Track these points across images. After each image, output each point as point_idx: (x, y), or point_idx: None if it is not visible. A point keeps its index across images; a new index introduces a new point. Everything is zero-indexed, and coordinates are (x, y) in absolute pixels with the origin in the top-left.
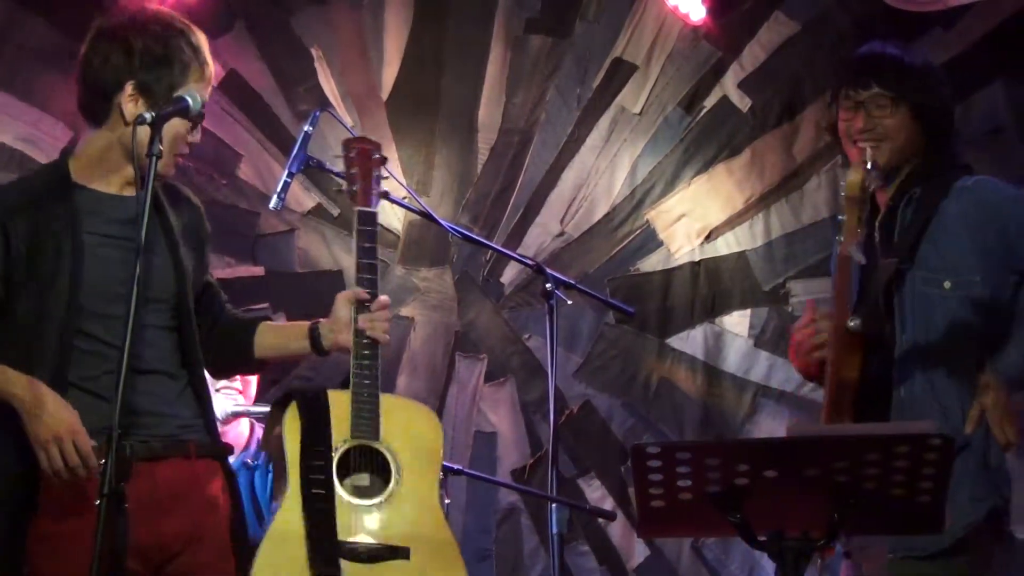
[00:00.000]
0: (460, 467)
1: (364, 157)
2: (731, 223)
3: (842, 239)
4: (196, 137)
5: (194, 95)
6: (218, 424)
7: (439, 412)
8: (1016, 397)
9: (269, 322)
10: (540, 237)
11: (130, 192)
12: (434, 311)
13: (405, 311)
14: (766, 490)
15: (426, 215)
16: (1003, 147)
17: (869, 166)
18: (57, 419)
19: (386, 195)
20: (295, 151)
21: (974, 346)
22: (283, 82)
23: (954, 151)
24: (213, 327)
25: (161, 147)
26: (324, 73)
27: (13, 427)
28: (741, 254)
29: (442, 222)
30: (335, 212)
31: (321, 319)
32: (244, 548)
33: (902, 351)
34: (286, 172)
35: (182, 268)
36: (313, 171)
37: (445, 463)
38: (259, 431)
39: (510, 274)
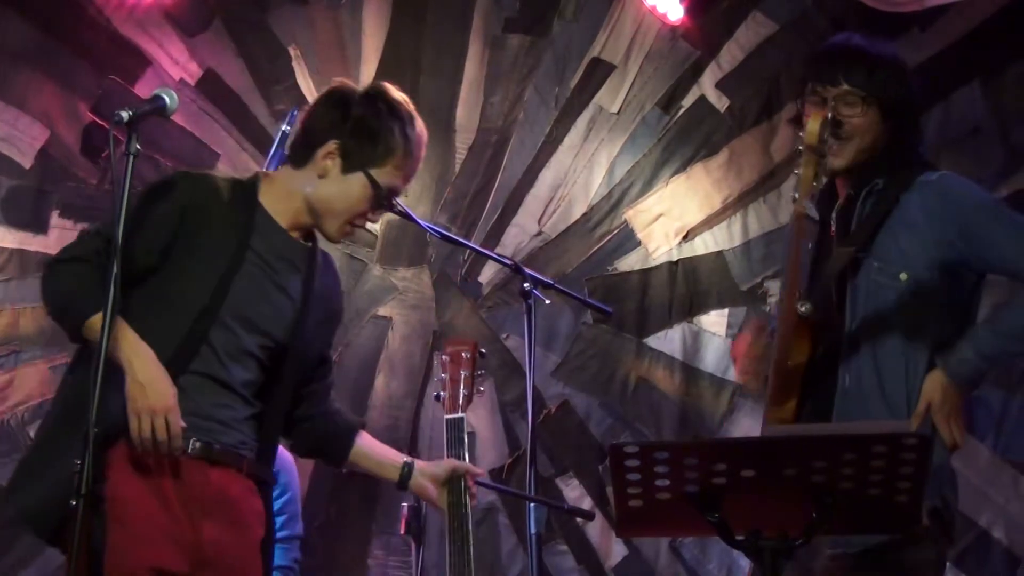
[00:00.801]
0: None
1: (456, 361)
2: (709, 223)
3: (796, 195)
4: (376, 218)
5: (171, 94)
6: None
7: (417, 412)
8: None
9: (365, 436)
10: (518, 237)
11: (297, 236)
12: (412, 311)
13: (383, 311)
14: (744, 490)
15: (404, 214)
16: (981, 147)
17: (828, 117)
18: (158, 393)
19: (479, 391)
20: (273, 150)
21: (925, 341)
22: (261, 81)
23: (919, 146)
24: (314, 415)
25: (138, 147)
26: (302, 72)
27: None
28: (719, 253)
29: (420, 222)
30: None
31: (417, 461)
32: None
33: (850, 340)
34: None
35: (301, 323)
36: None
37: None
38: None
39: (488, 273)
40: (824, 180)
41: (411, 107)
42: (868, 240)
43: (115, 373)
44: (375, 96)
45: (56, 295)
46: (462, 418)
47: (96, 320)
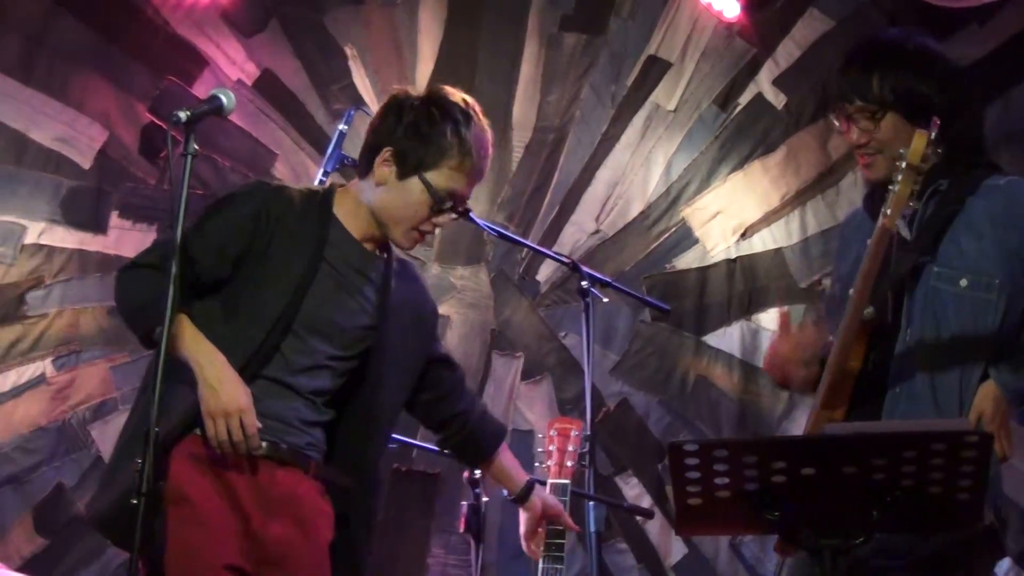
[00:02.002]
0: None
1: (563, 436)
2: (767, 220)
3: (889, 211)
4: (443, 222)
5: (228, 94)
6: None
7: None
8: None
9: (504, 449)
10: (575, 235)
11: (370, 247)
12: (470, 309)
13: (441, 309)
14: (803, 488)
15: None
16: None
17: (932, 136)
18: (232, 395)
19: (581, 465)
20: (330, 150)
21: (981, 350)
22: (317, 81)
23: (979, 143)
24: (456, 413)
25: (196, 147)
26: (358, 72)
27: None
28: (777, 251)
29: (478, 220)
30: None
31: (538, 485)
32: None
33: (905, 346)
34: (321, 171)
35: (380, 336)
36: (348, 169)
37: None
38: None
39: (546, 272)
40: (916, 199)
41: (471, 107)
42: (930, 244)
43: (184, 375)
44: (429, 99)
45: (128, 301)
46: (566, 484)
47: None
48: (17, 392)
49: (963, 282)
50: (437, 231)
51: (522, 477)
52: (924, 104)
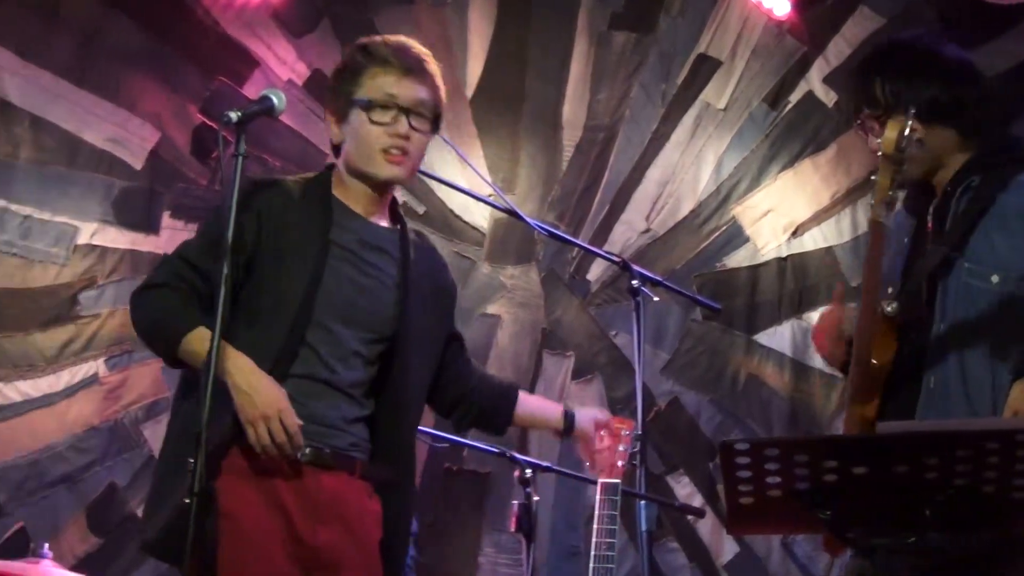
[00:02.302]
0: (548, 464)
1: (615, 435)
2: (818, 218)
3: (872, 202)
4: (402, 129)
5: (279, 94)
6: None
7: None
8: None
9: (521, 395)
10: (626, 234)
11: (380, 220)
12: (520, 309)
13: (492, 309)
14: (855, 487)
15: (512, 212)
16: None
17: (908, 125)
18: (267, 398)
19: (631, 465)
20: None
21: (1012, 347)
22: None
23: (1012, 141)
24: (465, 392)
25: (247, 147)
26: None
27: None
28: (828, 249)
29: (528, 219)
30: (420, 210)
31: (577, 407)
32: None
33: (937, 340)
34: None
35: (405, 308)
36: None
37: (533, 460)
38: None
39: (596, 271)
40: (900, 189)
41: (382, 37)
42: (961, 240)
43: (222, 386)
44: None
45: (144, 324)
46: (617, 484)
47: (190, 339)
48: (70, 392)
49: (994, 278)
50: (485, 228)
51: (556, 413)
52: (929, 104)
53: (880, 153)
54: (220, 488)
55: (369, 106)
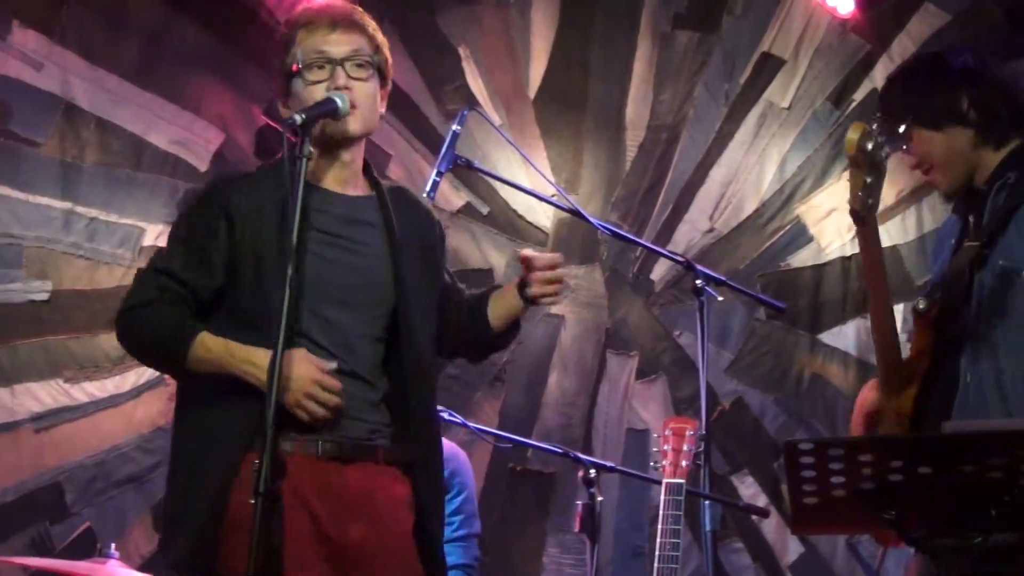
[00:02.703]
0: (612, 464)
1: (678, 436)
2: (882, 217)
3: (849, 203)
4: (340, 79)
5: (342, 96)
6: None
7: (590, 410)
8: None
9: (487, 301)
10: (689, 233)
11: (351, 190)
12: (584, 309)
13: (555, 309)
14: (920, 487)
15: (575, 213)
16: None
17: (872, 126)
18: (300, 377)
19: (695, 465)
20: (444, 150)
21: None
22: (431, 82)
23: None
24: (460, 314)
25: (311, 149)
26: (472, 72)
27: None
28: (893, 248)
29: (591, 219)
30: (484, 210)
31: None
32: (434, 565)
33: (973, 336)
34: (435, 171)
35: (402, 278)
36: (462, 170)
37: (597, 460)
38: None
39: (660, 271)
40: (875, 189)
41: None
42: (995, 235)
43: (229, 392)
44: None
45: (142, 346)
46: (682, 484)
47: (196, 347)
48: (137, 392)
49: None
50: (548, 227)
51: (513, 288)
52: (945, 110)
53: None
54: (239, 503)
55: (303, 69)
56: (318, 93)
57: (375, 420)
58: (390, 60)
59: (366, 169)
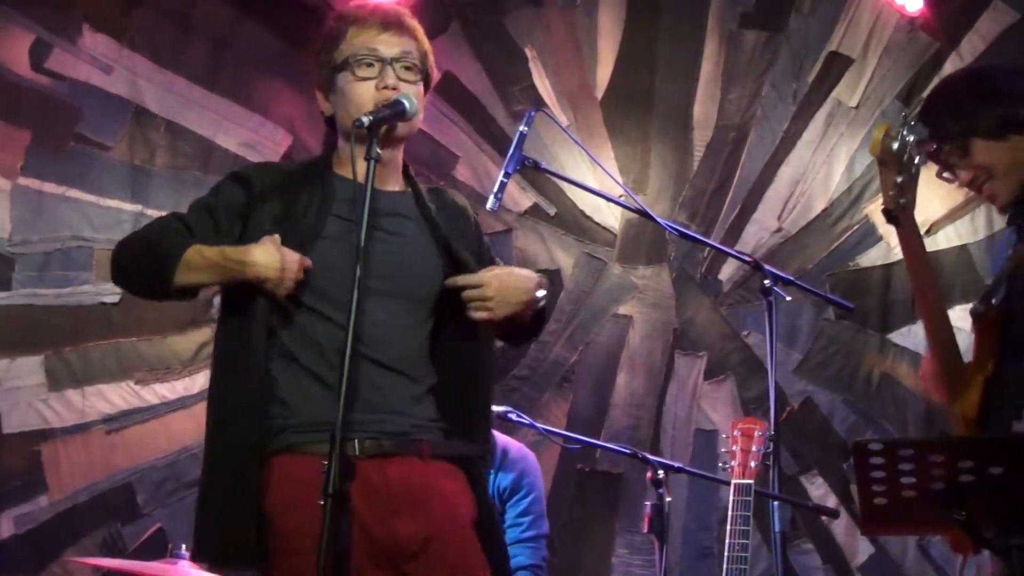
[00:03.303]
0: (681, 465)
1: (747, 436)
2: (952, 216)
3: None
4: (390, 80)
5: (410, 98)
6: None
7: (658, 411)
8: None
9: None
10: (757, 233)
11: (391, 187)
12: (652, 309)
13: (623, 309)
14: (992, 487)
15: (643, 213)
16: None
17: (898, 127)
18: (265, 266)
19: (764, 465)
20: (511, 151)
21: None
22: (498, 83)
23: None
24: None
25: (379, 151)
26: (539, 73)
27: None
28: (963, 247)
29: (659, 220)
30: (552, 211)
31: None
32: (498, 555)
33: None
34: (503, 172)
35: (444, 269)
36: (529, 171)
37: (665, 460)
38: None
39: (728, 271)
40: (907, 189)
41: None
42: None
43: (266, 390)
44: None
45: (128, 262)
46: (750, 484)
47: (189, 254)
48: (207, 394)
49: None
50: (616, 228)
51: None
52: (1007, 120)
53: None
54: (287, 500)
55: (352, 64)
56: (364, 90)
57: (419, 415)
58: (434, 68)
59: (404, 169)
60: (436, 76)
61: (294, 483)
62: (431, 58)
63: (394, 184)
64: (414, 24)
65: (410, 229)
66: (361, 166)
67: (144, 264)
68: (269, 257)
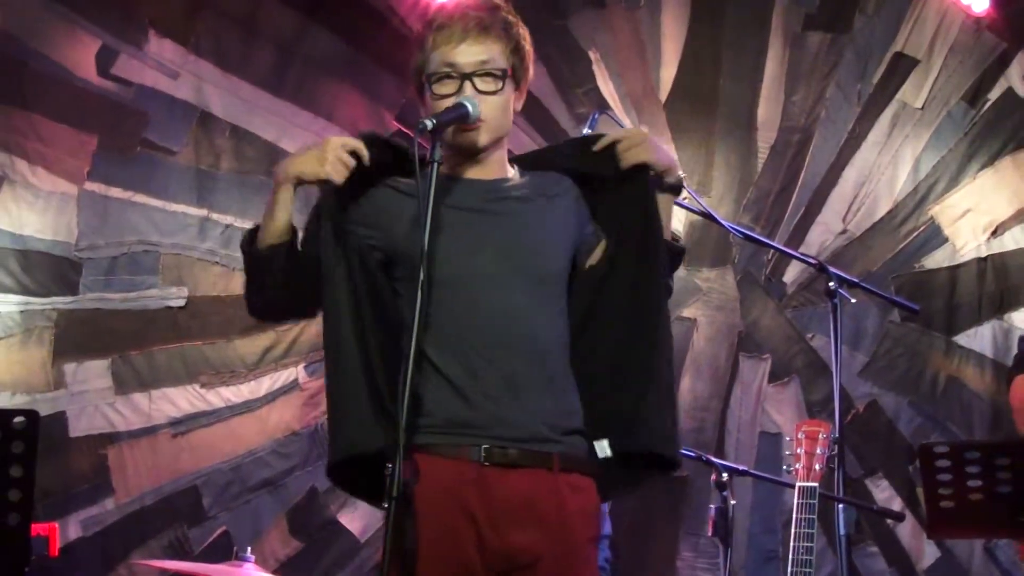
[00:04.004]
0: (745, 468)
1: (811, 439)
2: (1019, 217)
3: None
4: (468, 90)
5: (473, 101)
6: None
7: (723, 414)
8: None
9: None
10: (822, 235)
11: (494, 175)
12: (717, 311)
13: (688, 312)
14: None
15: (707, 215)
16: None
17: None
18: (294, 158)
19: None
20: None
21: None
22: (562, 85)
23: None
24: None
25: (442, 154)
26: (602, 75)
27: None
28: None
29: (723, 222)
30: None
31: None
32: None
33: None
34: None
35: (565, 239)
36: None
37: (730, 463)
38: None
39: (792, 273)
40: None
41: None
42: None
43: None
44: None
45: (249, 273)
46: (815, 487)
47: (268, 231)
48: (271, 398)
49: None
50: (679, 231)
51: None
52: None
53: None
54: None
55: (432, 80)
56: (442, 101)
57: (544, 414)
58: (530, 54)
59: (510, 160)
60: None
61: (436, 484)
62: (525, 45)
63: (497, 173)
64: (498, 20)
65: (516, 206)
66: (474, 168)
67: (254, 278)
68: (299, 151)
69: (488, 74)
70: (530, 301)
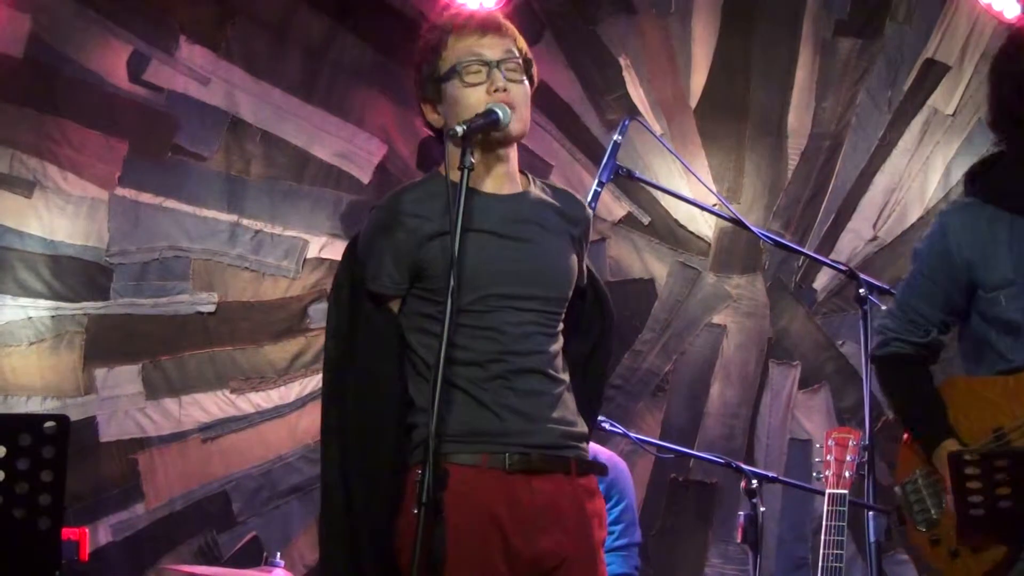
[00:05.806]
0: (775, 475)
1: (841, 446)
2: None
3: None
4: (499, 81)
5: (504, 108)
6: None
7: (752, 420)
8: None
9: None
10: (852, 242)
11: (509, 190)
12: (746, 318)
13: (717, 319)
14: None
15: (737, 222)
16: None
17: None
18: None
19: (859, 475)
20: (605, 160)
21: None
22: (592, 92)
23: None
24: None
25: (472, 159)
26: (632, 82)
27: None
28: None
29: (753, 228)
30: (645, 220)
31: None
32: None
33: None
34: (596, 181)
35: (570, 261)
36: (623, 180)
37: (759, 470)
38: None
39: (823, 280)
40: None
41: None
42: None
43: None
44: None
45: None
46: (845, 494)
47: None
48: (301, 403)
49: None
50: (710, 237)
51: None
52: None
53: None
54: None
55: (460, 71)
56: (476, 95)
57: (559, 420)
58: (534, 62)
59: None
60: (537, 76)
61: (463, 492)
62: (529, 53)
63: (511, 187)
64: (507, 23)
65: (536, 232)
66: (494, 180)
67: None
68: None
69: (514, 66)
70: (546, 321)
